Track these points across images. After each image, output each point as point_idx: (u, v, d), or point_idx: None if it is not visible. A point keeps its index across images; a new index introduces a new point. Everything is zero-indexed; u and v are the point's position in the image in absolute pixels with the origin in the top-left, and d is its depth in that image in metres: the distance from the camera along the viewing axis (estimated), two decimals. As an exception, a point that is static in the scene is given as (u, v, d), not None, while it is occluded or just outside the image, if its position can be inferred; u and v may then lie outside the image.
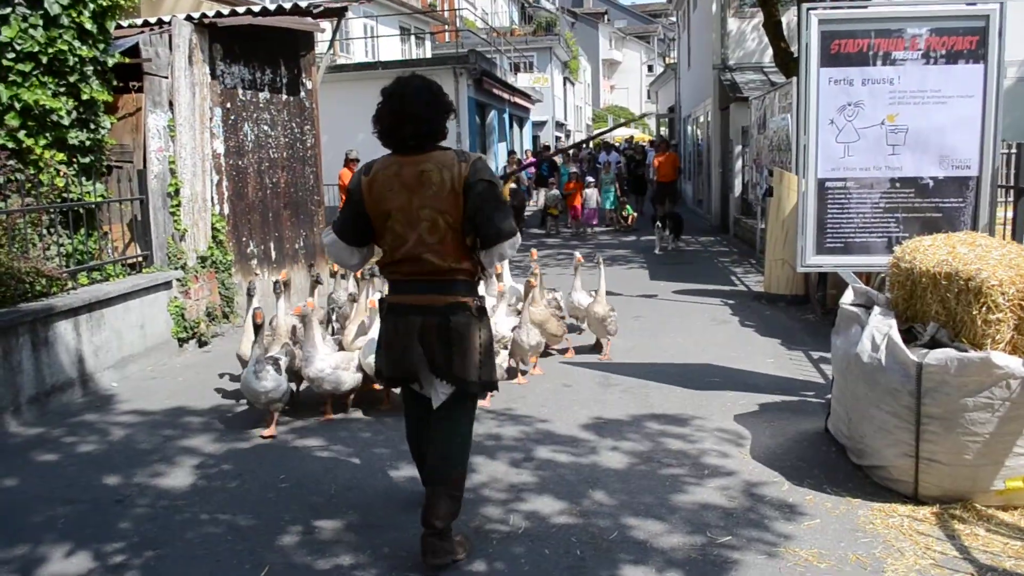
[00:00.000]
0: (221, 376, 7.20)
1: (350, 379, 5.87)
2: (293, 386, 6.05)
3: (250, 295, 6.36)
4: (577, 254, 7.84)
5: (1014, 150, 6.29)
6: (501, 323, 6.61)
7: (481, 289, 4.00)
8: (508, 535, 4.08)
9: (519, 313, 7.01)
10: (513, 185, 16.94)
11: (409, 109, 3.55)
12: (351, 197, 3.71)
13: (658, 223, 15.54)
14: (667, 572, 3.69)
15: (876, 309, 4.84)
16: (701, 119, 23.06)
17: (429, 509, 3.67)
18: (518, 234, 3.63)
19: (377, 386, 6.16)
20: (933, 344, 4.42)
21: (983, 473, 4.20)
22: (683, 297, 10.59)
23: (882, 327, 4.59)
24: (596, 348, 7.93)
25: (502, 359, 6.39)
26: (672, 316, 9.41)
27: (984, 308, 4.24)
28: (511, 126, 27.96)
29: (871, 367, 4.50)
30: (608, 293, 10.78)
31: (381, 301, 3.84)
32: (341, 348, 6.24)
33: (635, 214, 19.74)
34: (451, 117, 3.71)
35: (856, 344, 4.68)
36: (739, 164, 16.78)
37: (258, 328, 5.54)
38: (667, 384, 6.55)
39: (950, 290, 4.43)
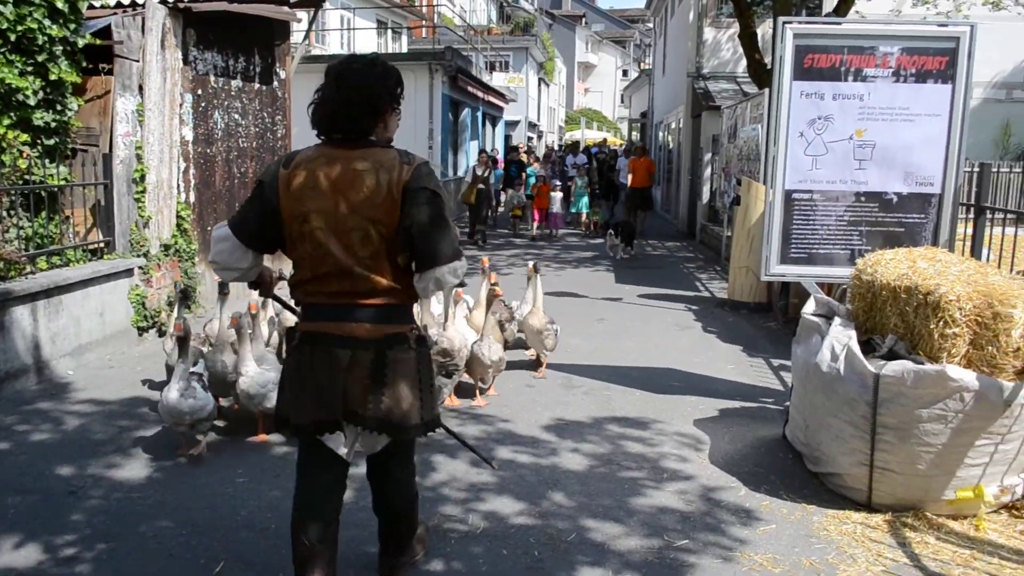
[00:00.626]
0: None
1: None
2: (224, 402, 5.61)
3: (223, 293, 5.89)
4: (530, 264, 7.26)
5: (976, 169, 6.41)
6: (458, 333, 6.01)
7: (417, 309, 3.76)
8: (466, 535, 4.08)
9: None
10: (482, 186, 16.83)
11: (351, 92, 2.94)
12: (261, 191, 3.03)
13: (610, 230, 15.14)
14: (624, 574, 3.71)
15: (836, 320, 4.91)
16: (673, 125, 23.21)
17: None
18: (462, 259, 2.99)
19: None
20: (891, 356, 4.49)
21: (935, 483, 4.27)
22: (647, 301, 10.66)
23: (842, 337, 4.65)
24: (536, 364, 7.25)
25: (449, 382, 5.86)
26: (636, 320, 9.46)
27: (941, 322, 4.32)
28: (484, 125, 27.95)
29: (830, 376, 4.57)
30: (572, 295, 10.88)
31: (291, 330, 3.14)
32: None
33: (597, 219, 19.29)
34: (398, 112, 3.10)
35: (816, 353, 4.74)
36: (708, 172, 16.90)
37: (183, 341, 4.98)
38: (629, 387, 6.59)
39: (909, 304, 4.50)
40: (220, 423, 5.53)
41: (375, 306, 2.97)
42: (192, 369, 5.10)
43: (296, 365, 3.06)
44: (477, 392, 6.23)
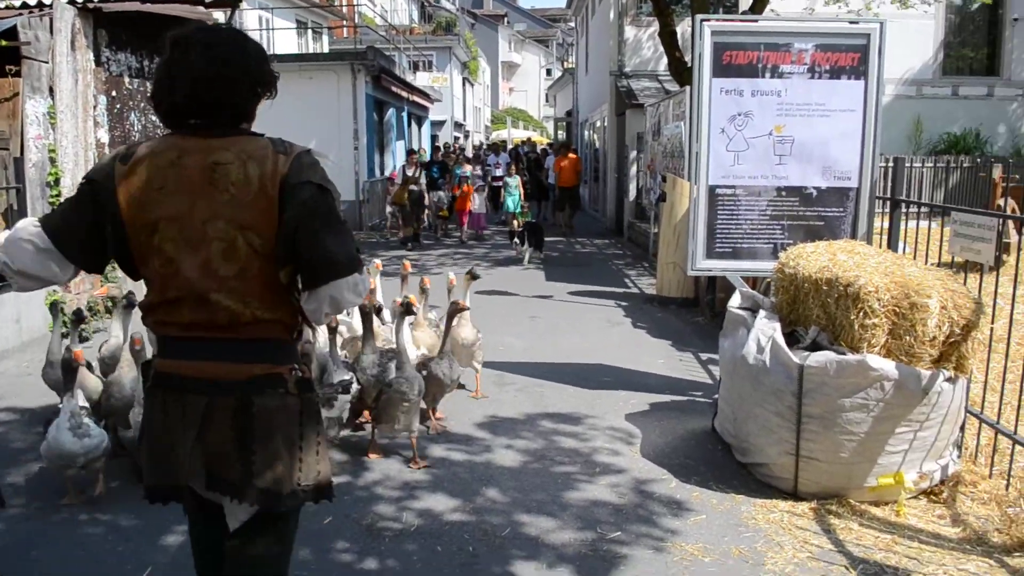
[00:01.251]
0: (104, 373, 6.93)
1: None
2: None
3: (131, 305, 5.16)
4: (451, 274, 6.64)
5: (891, 164, 6.61)
6: (420, 341, 5.89)
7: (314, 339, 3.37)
8: (400, 532, 4.07)
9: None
10: (413, 187, 16.51)
11: (223, 65, 2.29)
12: (92, 194, 2.32)
13: (515, 239, 14.34)
14: (558, 567, 3.74)
15: (762, 313, 5.02)
16: (598, 124, 23.42)
17: None
18: (363, 270, 2.37)
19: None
20: (814, 347, 4.61)
21: (858, 470, 4.40)
22: (578, 298, 10.74)
23: (767, 330, 4.76)
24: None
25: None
26: (567, 317, 9.52)
27: (861, 313, 4.44)
28: (410, 124, 27.81)
29: (756, 368, 4.67)
30: (503, 293, 10.91)
31: (146, 365, 2.47)
32: None
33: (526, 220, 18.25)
34: (269, 95, 2.45)
35: (742, 346, 4.84)
36: (634, 169, 17.10)
37: (71, 372, 4.35)
38: (561, 383, 6.63)
39: (830, 295, 4.62)
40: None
41: (238, 340, 2.30)
42: (80, 403, 4.37)
43: (149, 413, 2.40)
44: (431, 414, 5.64)
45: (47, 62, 7.86)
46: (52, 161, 7.90)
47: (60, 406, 4.40)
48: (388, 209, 18.29)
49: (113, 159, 2.34)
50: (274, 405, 2.32)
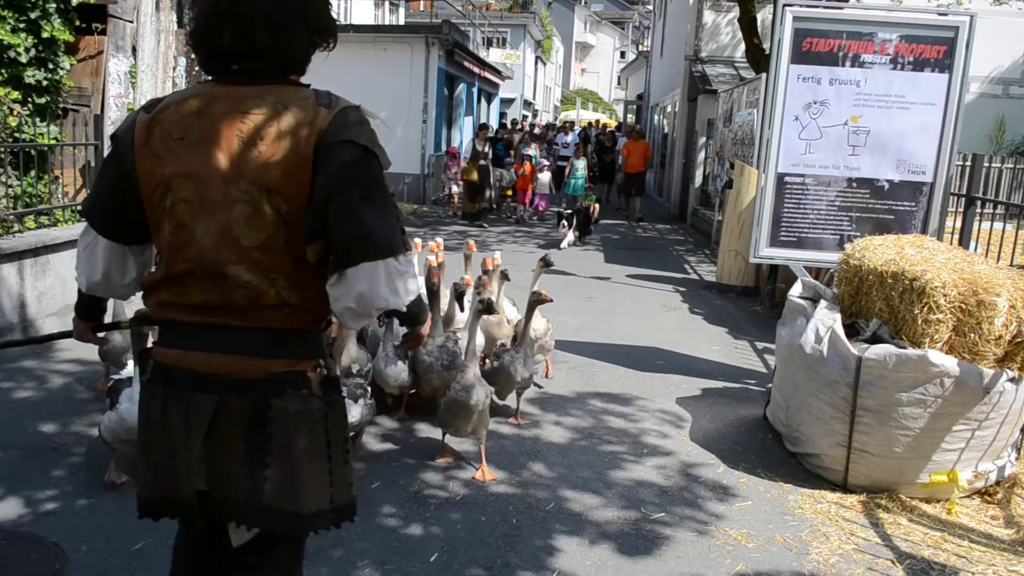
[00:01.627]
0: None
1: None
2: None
3: None
4: (496, 255, 6.22)
5: (968, 162, 6.43)
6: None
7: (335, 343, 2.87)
8: (446, 501, 4.12)
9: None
10: (483, 162, 16.12)
11: (270, 2, 1.96)
12: (114, 150, 2.06)
13: (563, 221, 13.71)
14: (600, 543, 3.75)
15: (822, 303, 4.95)
16: (668, 109, 23.17)
17: None
18: (407, 255, 1.97)
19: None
20: (874, 340, 4.53)
21: (910, 466, 4.32)
22: (636, 281, 10.68)
23: (826, 320, 4.69)
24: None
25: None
26: (623, 299, 9.48)
27: (926, 308, 4.35)
28: (479, 101, 27.85)
29: (813, 358, 4.60)
30: (561, 273, 10.89)
31: (144, 354, 2.11)
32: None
33: (597, 205, 17.36)
34: (327, 45, 2.10)
35: (800, 335, 4.78)
36: (702, 156, 16.91)
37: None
38: (613, 364, 6.62)
39: (895, 289, 4.53)
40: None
41: (256, 329, 1.95)
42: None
43: (146, 411, 2.04)
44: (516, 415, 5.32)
45: (131, 21, 8.05)
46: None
47: (127, 376, 4.20)
48: (448, 185, 18.22)
49: (139, 110, 2.03)
50: (295, 409, 1.97)
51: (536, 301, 5.18)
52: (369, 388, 4.68)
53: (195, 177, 1.91)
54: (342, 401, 2.13)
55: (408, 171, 19.26)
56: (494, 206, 17.05)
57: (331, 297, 1.96)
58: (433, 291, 5.06)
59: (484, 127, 18.36)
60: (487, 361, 5.38)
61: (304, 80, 2.08)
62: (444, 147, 20.81)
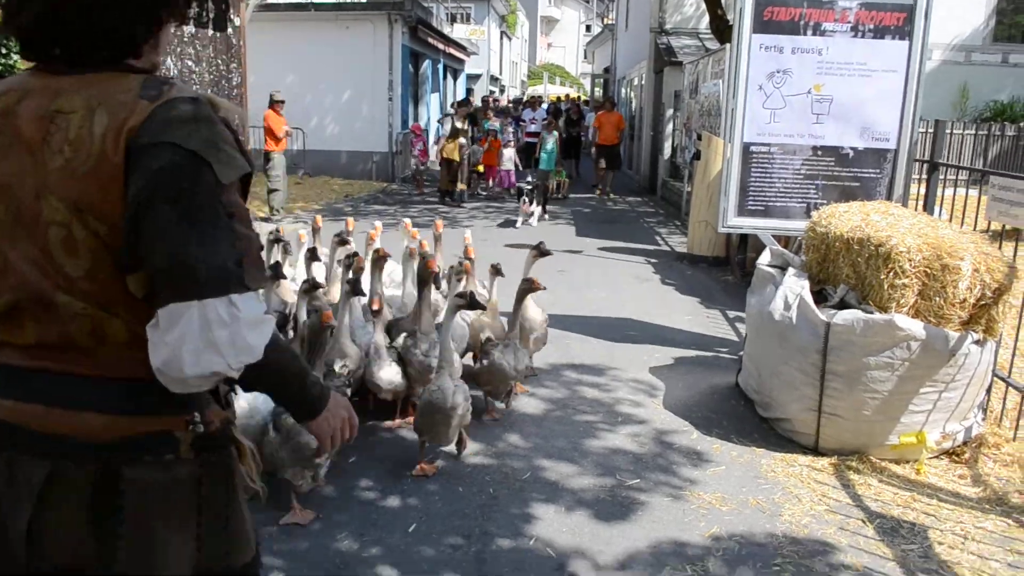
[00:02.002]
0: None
1: None
2: None
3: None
4: (467, 233, 6.08)
5: (931, 129, 6.51)
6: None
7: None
8: (423, 473, 4.14)
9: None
10: (463, 140, 15.67)
11: None
12: None
13: (524, 196, 13.08)
14: (576, 510, 3.80)
15: (791, 270, 5.01)
16: (635, 81, 23.16)
17: None
18: (248, 293, 1.47)
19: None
20: (842, 305, 4.60)
21: (879, 428, 4.41)
22: (608, 254, 10.73)
23: (795, 287, 4.75)
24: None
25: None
26: (595, 272, 9.53)
27: (891, 273, 4.42)
28: (445, 77, 27.70)
29: (782, 325, 4.67)
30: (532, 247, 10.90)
31: None
32: None
33: (567, 180, 17.85)
34: (174, 18, 1.64)
35: (770, 303, 4.84)
36: (670, 128, 16.94)
37: None
38: (587, 335, 6.67)
39: (861, 255, 4.60)
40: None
41: (110, 378, 1.53)
42: None
43: None
44: (488, 409, 4.97)
45: None
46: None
47: None
48: (412, 163, 18.02)
49: None
50: (155, 480, 1.52)
51: (527, 289, 4.92)
52: (349, 391, 4.19)
53: (5, 191, 1.51)
54: (228, 457, 1.66)
55: (376, 149, 19.15)
56: (468, 184, 16.80)
57: (150, 338, 1.43)
58: (426, 281, 4.61)
59: (464, 103, 17.74)
60: (477, 360, 5.07)
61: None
62: (411, 124, 20.67)
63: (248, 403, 3.68)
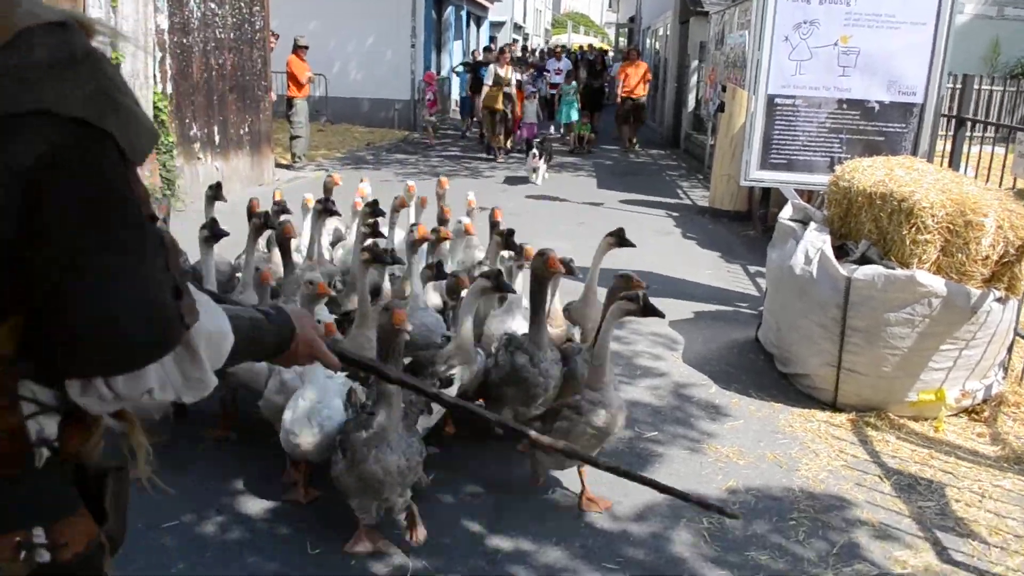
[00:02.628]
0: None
1: None
2: None
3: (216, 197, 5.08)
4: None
5: (959, 84, 6.41)
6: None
7: None
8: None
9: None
10: (508, 89, 14.63)
11: None
12: None
13: (533, 151, 12.56)
14: (594, 462, 3.84)
15: (812, 225, 4.98)
16: (660, 32, 22.83)
17: None
18: (195, 347, 1.06)
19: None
20: (863, 261, 4.57)
21: (898, 385, 4.41)
22: (628, 207, 10.68)
23: (816, 242, 4.73)
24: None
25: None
26: (616, 224, 9.41)
27: (914, 229, 4.39)
28: (468, 24, 27.40)
29: (803, 279, 4.66)
30: (553, 199, 10.87)
31: None
32: None
33: (592, 135, 17.25)
34: None
35: (790, 257, 4.82)
36: (695, 79, 16.73)
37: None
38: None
39: (884, 210, 4.56)
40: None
41: None
42: None
43: None
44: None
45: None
46: (112, 46, 7.98)
47: None
48: (424, 113, 17.54)
49: None
50: None
51: (623, 289, 3.75)
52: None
53: None
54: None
55: (398, 97, 19.03)
56: (507, 138, 15.55)
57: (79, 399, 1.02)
58: (543, 281, 3.75)
59: (503, 50, 16.15)
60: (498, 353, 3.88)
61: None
62: (438, 71, 20.36)
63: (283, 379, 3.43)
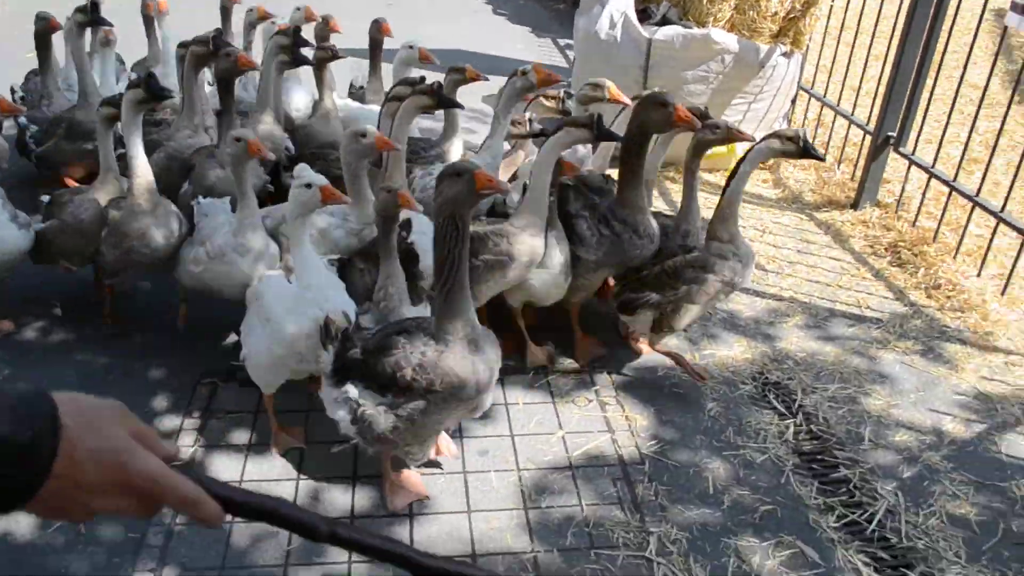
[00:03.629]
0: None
1: None
2: None
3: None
4: None
5: None
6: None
7: None
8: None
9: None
10: None
11: None
12: None
13: None
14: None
15: (617, -13, 5.06)
16: None
17: None
18: None
19: None
20: (664, 22, 4.74)
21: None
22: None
23: (620, 6, 4.84)
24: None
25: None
26: (424, 3, 9.25)
27: (710, -12, 4.55)
28: None
29: (608, 44, 4.79)
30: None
31: None
32: None
33: None
34: None
35: (596, 23, 4.92)
36: None
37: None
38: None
39: (683, -30, 4.69)
40: None
41: None
42: None
43: None
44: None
45: None
46: None
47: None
48: None
49: None
50: None
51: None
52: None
53: None
54: None
55: None
56: None
57: None
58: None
59: None
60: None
61: None
62: None
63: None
